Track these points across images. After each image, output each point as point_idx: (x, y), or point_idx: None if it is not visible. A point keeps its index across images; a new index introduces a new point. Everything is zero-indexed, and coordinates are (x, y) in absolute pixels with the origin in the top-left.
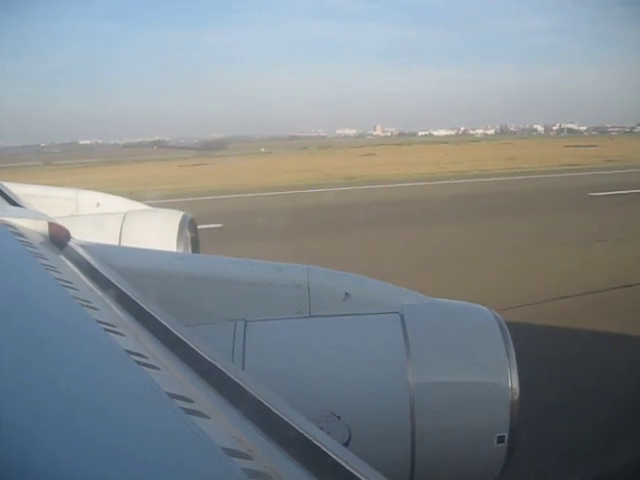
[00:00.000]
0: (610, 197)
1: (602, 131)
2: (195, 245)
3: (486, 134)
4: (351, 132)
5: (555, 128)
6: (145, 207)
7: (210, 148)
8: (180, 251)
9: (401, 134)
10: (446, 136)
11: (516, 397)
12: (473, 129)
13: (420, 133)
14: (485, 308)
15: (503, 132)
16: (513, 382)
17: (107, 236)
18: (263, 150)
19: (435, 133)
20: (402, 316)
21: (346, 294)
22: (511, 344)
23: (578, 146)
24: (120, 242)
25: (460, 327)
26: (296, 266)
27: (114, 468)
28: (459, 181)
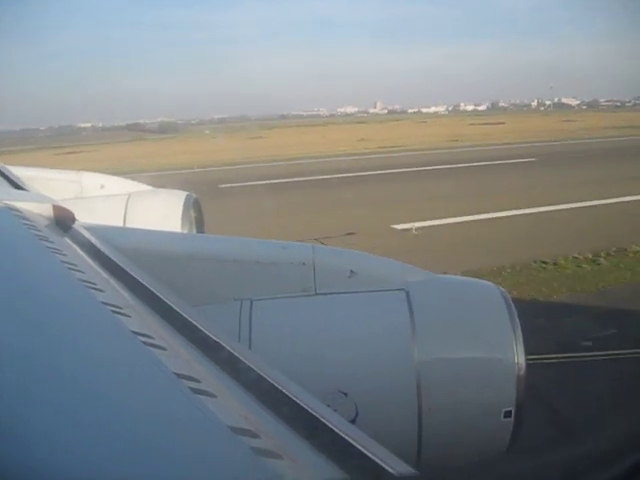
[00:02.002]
0: (232, 189)
1: (593, 105)
2: (199, 225)
3: (476, 110)
4: (353, 110)
5: (548, 103)
6: (149, 188)
7: (163, 131)
8: (185, 231)
9: (391, 112)
10: (434, 113)
11: (522, 372)
12: (465, 105)
13: (410, 110)
14: (491, 284)
15: (494, 107)
16: (519, 357)
17: (112, 218)
18: (207, 132)
19: (425, 110)
20: (407, 293)
21: (351, 272)
22: (517, 319)
23: (488, 124)
24: (125, 223)
25: (465, 303)
26: (301, 244)
27: (124, 447)
28: (190, 171)
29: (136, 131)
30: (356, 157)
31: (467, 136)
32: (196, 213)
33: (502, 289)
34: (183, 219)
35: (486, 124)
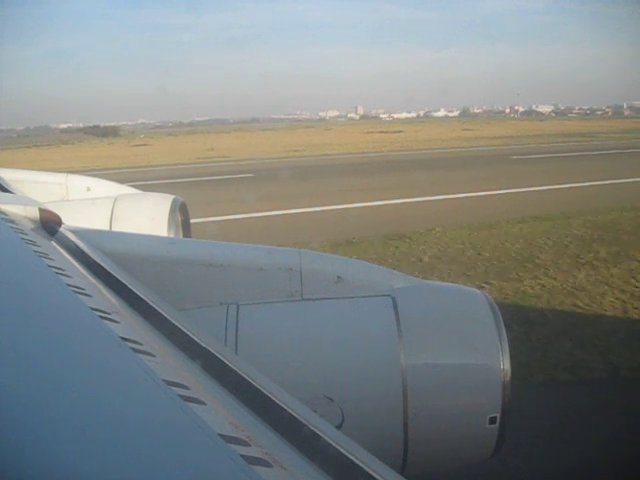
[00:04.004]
0: None
1: (564, 113)
2: (186, 229)
3: (448, 116)
4: (334, 113)
5: (521, 110)
6: (135, 191)
7: (103, 135)
8: (171, 235)
9: (363, 117)
10: (406, 118)
11: (508, 378)
12: (444, 110)
13: (382, 116)
14: (477, 290)
15: (465, 114)
16: (505, 364)
17: (98, 221)
18: (142, 136)
19: (396, 116)
20: (394, 299)
21: (338, 277)
22: (503, 326)
23: (387, 132)
24: (111, 227)
25: (452, 309)
26: (288, 249)
27: (111, 456)
28: None
29: (90, 134)
30: (163, 168)
31: (316, 146)
32: (182, 217)
33: (488, 296)
34: (169, 223)
35: (387, 132)
